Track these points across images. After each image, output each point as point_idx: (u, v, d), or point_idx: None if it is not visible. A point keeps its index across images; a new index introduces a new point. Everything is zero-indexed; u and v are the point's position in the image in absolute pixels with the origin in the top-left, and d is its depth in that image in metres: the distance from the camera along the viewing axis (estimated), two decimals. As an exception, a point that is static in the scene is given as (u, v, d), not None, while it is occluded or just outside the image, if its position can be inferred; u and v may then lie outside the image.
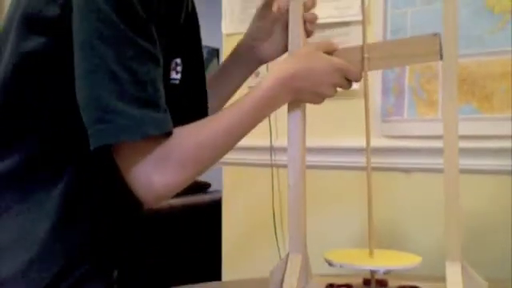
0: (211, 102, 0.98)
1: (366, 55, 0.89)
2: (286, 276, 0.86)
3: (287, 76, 0.84)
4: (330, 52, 0.88)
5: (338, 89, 0.90)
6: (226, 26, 1.74)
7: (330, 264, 0.88)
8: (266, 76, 0.85)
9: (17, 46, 0.76)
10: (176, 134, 0.75)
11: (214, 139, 0.79)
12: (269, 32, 0.98)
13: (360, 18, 1.48)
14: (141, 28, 0.72)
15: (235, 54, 1.04)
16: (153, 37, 0.74)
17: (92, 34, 0.70)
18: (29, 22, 0.75)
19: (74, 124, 0.77)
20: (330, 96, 0.88)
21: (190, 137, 0.77)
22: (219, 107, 1.02)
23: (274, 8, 0.97)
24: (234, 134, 0.81)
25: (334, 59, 0.87)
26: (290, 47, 0.91)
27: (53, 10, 0.73)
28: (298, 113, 0.91)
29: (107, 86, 0.69)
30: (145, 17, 0.72)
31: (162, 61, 0.77)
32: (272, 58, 1.02)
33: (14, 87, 0.77)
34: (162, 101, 0.74)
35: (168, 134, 0.74)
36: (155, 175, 0.73)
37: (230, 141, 0.81)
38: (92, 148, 0.70)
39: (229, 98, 1.06)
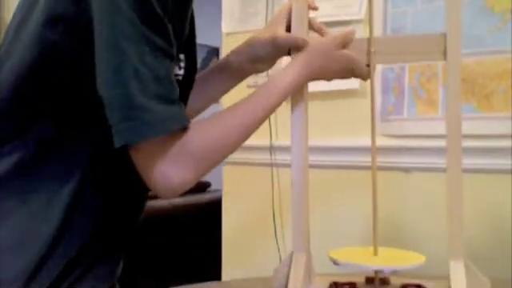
0: (195, 102, 1.00)
1: (372, 49, 0.89)
2: (290, 276, 0.86)
3: (307, 73, 0.90)
4: (346, 44, 0.91)
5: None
6: (226, 26, 1.74)
7: (336, 263, 0.88)
8: (286, 70, 0.88)
9: (35, 43, 0.76)
10: (192, 128, 0.75)
11: (229, 134, 0.80)
12: (271, 58, 0.99)
13: (360, 16, 1.49)
14: (158, 26, 0.72)
15: (229, 66, 1.04)
16: (169, 35, 0.74)
17: (114, 32, 0.70)
18: (47, 20, 0.75)
19: (84, 123, 0.77)
20: None
21: (206, 132, 0.78)
22: (202, 108, 1.06)
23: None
24: (250, 129, 0.83)
25: (347, 60, 0.91)
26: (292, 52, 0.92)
27: (67, 8, 0.74)
28: (300, 111, 0.92)
29: (133, 84, 0.70)
30: (162, 15, 0.73)
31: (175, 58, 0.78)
32: (268, 69, 1.04)
33: (27, 83, 0.77)
34: (177, 95, 0.75)
35: (185, 129, 0.74)
36: (173, 170, 0.74)
37: (245, 135, 0.83)
38: (117, 146, 0.71)
39: (213, 101, 1.08)
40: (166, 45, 0.74)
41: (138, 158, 0.74)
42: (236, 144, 0.82)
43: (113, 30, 0.70)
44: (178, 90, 0.76)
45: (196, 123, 0.77)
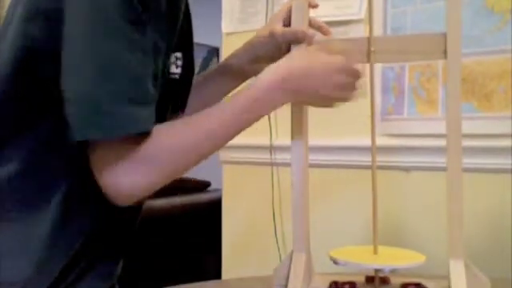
0: (195, 104, 0.98)
1: (372, 49, 0.89)
2: (290, 276, 0.86)
3: (283, 77, 0.81)
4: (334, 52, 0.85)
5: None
6: (226, 26, 1.74)
7: (335, 262, 0.88)
8: (261, 76, 0.82)
9: (19, 39, 0.75)
10: (153, 134, 0.72)
11: (193, 142, 0.76)
12: (271, 57, 0.96)
13: (360, 16, 1.49)
14: (135, 19, 0.70)
15: (229, 68, 1.03)
16: (146, 29, 0.72)
17: (83, 24, 0.68)
18: (28, 15, 0.74)
19: None
20: (338, 99, 0.85)
21: (167, 138, 0.74)
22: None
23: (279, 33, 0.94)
24: (219, 138, 0.78)
25: (334, 58, 0.83)
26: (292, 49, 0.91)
27: (47, 3, 0.72)
28: (300, 111, 0.92)
29: (96, 81, 0.68)
30: (140, 8, 0.70)
31: (162, 55, 0.76)
32: None
33: (13, 84, 0.76)
34: (150, 97, 0.72)
35: (146, 134, 0.71)
36: (123, 176, 0.71)
37: (212, 144, 0.78)
38: (71, 140, 0.69)
39: (213, 103, 1.05)
40: (143, 38, 0.71)
41: (91, 158, 0.72)
42: (206, 151, 0.78)
43: (81, 21, 0.69)
44: (153, 91, 0.73)
45: (161, 128, 0.74)
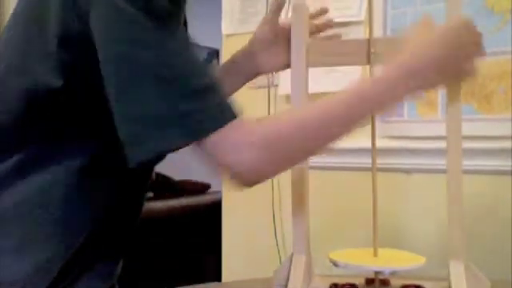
0: None
1: (372, 50, 0.89)
2: (290, 278, 0.86)
3: (399, 64, 0.77)
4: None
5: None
6: (226, 27, 1.74)
7: (335, 264, 0.88)
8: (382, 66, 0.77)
9: (52, 64, 0.73)
10: (264, 119, 0.72)
11: (303, 129, 0.72)
12: (272, 43, 0.98)
13: (360, 18, 1.49)
14: (171, 21, 0.69)
15: (233, 61, 1.03)
16: (182, 27, 0.71)
17: (126, 41, 0.67)
18: (61, 40, 0.72)
19: (84, 126, 0.76)
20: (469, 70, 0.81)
21: (278, 123, 0.72)
22: None
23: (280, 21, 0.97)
24: (332, 127, 0.75)
25: (455, 33, 0.79)
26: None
27: (74, 24, 0.71)
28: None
29: (158, 91, 0.66)
30: (170, 9, 0.69)
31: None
32: (271, 71, 1.02)
33: (40, 104, 0.75)
34: (221, 85, 0.71)
35: (238, 118, 0.69)
36: (239, 157, 0.68)
37: (326, 133, 0.75)
38: (176, 148, 0.67)
39: None
40: (185, 36, 0.71)
41: (201, 152, 0.70)
42: (320, 142, 0.75)
43: (123, 39, 0.67)
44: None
45: (271, 116, 0.74)
